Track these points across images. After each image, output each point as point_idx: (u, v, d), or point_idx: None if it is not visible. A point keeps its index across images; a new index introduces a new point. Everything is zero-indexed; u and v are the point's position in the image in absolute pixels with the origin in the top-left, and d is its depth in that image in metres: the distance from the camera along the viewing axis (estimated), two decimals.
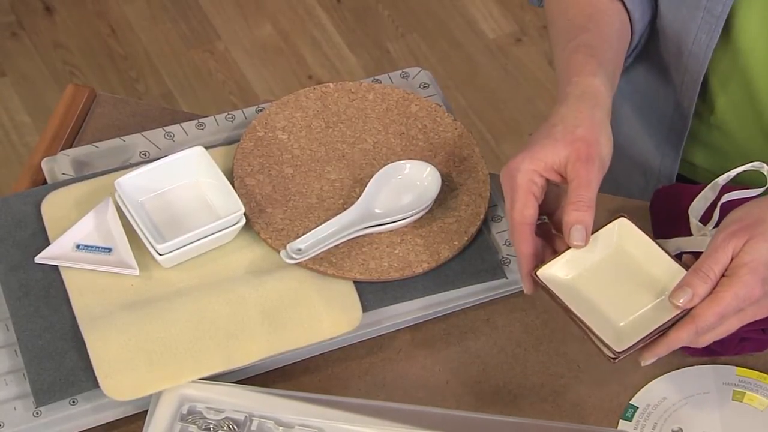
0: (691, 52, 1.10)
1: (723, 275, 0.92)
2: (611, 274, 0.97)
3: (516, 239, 0.96)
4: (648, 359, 0.93)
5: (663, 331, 0.93)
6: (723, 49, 1.10)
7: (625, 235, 0.98)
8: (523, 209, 0.95)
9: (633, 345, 0.92)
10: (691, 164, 1.24)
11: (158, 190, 1.06)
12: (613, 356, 0.92)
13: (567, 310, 0.94)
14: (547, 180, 0.97)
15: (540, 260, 0.96)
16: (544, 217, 0.98)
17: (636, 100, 1.23)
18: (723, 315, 0.91)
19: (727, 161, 1.19)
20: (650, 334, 0.92)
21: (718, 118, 1.17)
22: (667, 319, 0.93)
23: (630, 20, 1.10)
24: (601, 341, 0.92)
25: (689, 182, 1.24)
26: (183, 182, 1.07)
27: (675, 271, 0.95)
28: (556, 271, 0.96)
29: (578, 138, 0.95)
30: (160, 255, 1.01)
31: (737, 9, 1.07)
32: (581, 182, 0.94)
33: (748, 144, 1.17)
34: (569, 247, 0.96)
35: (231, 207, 1.03)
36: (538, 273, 0.95)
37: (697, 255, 0.96)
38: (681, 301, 0.92)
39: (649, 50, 1.17)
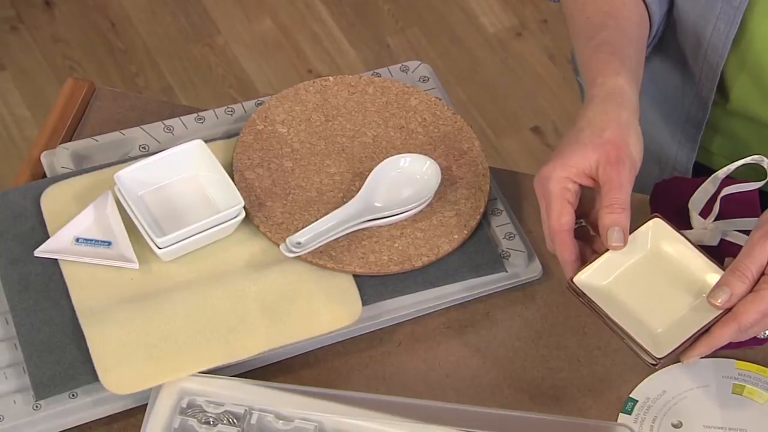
0: (710, 42, 1.10)
1: (763, 273, 0.92)
2: (647, 276, 0.97)
3: (557, 247, 0.96)
4: (690, 358, 0.94)
5: (703, 333, 0.93)
6: (737, 39, 1.10)
7: (660, 235, 0.98)
8: (560, 217, 0.95)
9: (674, 350, 0.92)
10: (707, 151, 1.24)
11: (158, 184, 1.06)
12: (654, 362, 0.92)
13: (604, 317, 0.94)
14: (581, 185, 0.97)
15: (582, 262, 0.96)
16: (581, 220, 0.99)
17: (652, 91, 1.23)
18: (766, 313, 0.91)
19: (743, 147, 1.19)
20: (691, 337, 0.93)
21: (734, 105, 1.17)
22: (708, 321, 0.93)
23: (648, 12, 1.09)
24: (641, 348, 0.92)
25: (705, 169, 1.24)
26: (182, 176, 1.07)
27: (712, 271, 0.96)
28: (592, 276, 0.96)
29: (607, 141, 0.96)
30: (159, 248, 1.01)
31: (753, 2, 1.07)
32: (613, 185, 0.95)
33: (763, 131, 1.17)
34: (606, 249, 0.96)
35: (230, 200, 1.03)
36: (574, 280, 0.95)
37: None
38: (719, 301, 0.92)
39: (666, 41, 1.17)
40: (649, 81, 1.22)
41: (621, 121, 0.97)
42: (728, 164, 1.06)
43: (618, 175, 0.95)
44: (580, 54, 1.07)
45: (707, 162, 1.26)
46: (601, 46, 1.03)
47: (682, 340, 0.93)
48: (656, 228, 0.98)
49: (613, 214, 0.95)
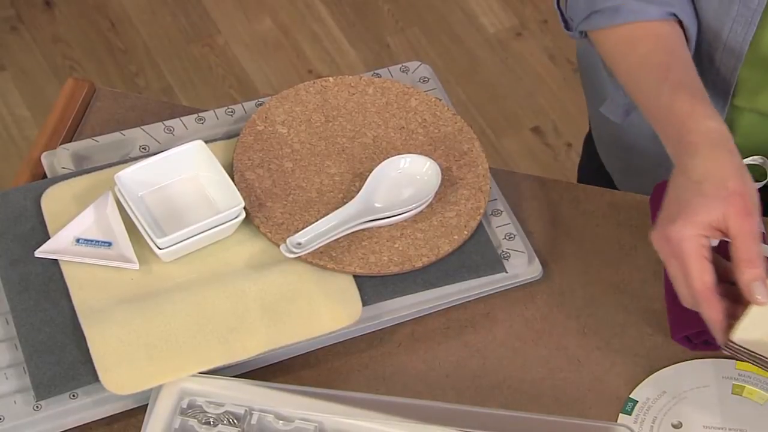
0: (727, 44, 1.09)
1: None
2: None
3: (704, 308, 0.93)
4: None
5: None
6: (755, 40, 1.09)
7: None
8: (702, 276, 0.93)
9: None
10: None
11: (158, 184, 1.06)
12: None
13: None
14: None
15: (731, 317, 0.94)
16: None
17: None
18: None
19: (758, 144, 1.18)
20: None
21: (750, 103, 1.16)
22: None
23: (686, 37, 1.08)
24: None
25: None
26: (183, 176, 1.07)
27: None
28: (746, 331, 0.94)
29: (732, 192, 0.93)
30: (160, 249, 1.01)
31: None
32: (747, 237, 0.92)
33: None
34: (748, 303, 0.94)
35: (231, 201, 1.03)
36: (733, 340, 0.93)
37: None
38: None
39: None
40: None
41: (738, 169, 0.94)
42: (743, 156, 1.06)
43: (750, 227, 0.92)
44: (653, 98, 1.02)
45: None
46: (678, 89, 1.00)
47: None
48: None
49: (752, 268, 0.92)
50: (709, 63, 1.14)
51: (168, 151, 1.06)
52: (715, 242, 1.01)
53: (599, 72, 1.25)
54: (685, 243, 0.93)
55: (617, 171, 1.34)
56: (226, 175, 1.05)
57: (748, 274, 0.92)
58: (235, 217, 1.04)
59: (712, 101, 1.16)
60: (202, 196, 1.06)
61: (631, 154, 1.28)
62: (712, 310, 0.93)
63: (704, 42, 1.12)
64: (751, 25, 1.07)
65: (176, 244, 1.02)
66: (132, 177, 1.04)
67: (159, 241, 1.01)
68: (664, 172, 1.25)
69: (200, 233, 1.02)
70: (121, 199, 1.04)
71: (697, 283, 0.93)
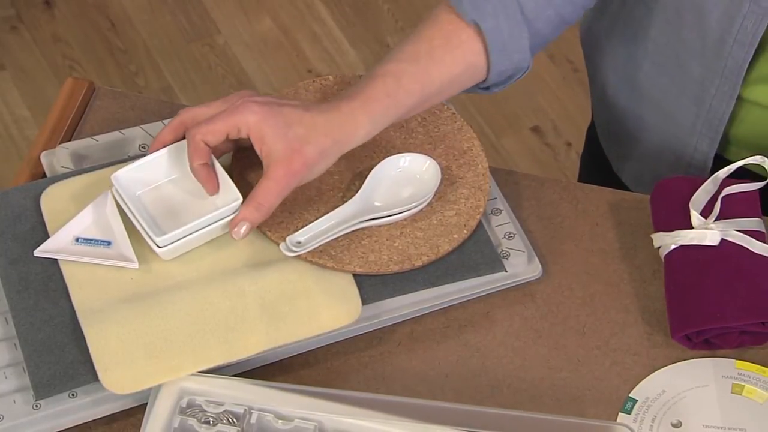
0: (736, 39, 1.09)
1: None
2: None
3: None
4: None
5: None
6: (764, 36, 1.09)
7: None
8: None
9: None
10: (725, 141, 1.22)
11: (155, 183, 1.06)
12: None
13: None
14: None
15: None
16: None
17: (664, 83, 1.21)
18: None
19: (762, 138, 1.18)
20: None
21: (758, 97, 1.15)
22: None
23: (486, 51, 1.06)
24: None
25: (722, 161, 1.23)
26: (180, 174, 1.06)
27: None
28: None
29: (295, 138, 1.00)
30: (159, 247, 1.01)
31: None
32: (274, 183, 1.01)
33: None
34: None
35: (229, 196, 1.03)
36: None
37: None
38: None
39: (685, 35, 1.15)
40: (662, 72, 1.20)
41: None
42: (746, 156, 1.05)
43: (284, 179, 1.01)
44: (386, 59, 1.05)
45: (722, 152, 1.24)
46: (387, 76, 1.03)
47: None
48: None
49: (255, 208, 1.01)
50: (718, 55, 1.13)
51: (165, 149, 1.06)
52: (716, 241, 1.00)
53: (602, 57, 1.26)
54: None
55: (615, 158, 1.34)
56: (224, 172, 1.04)
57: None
58: (234, 213, 1.03)
59: (722, 91, 1.15)
60: (201, 194, 1.06)
61: (630, 141, 1.28)
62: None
63: (711, 35, 1.12)
64: (762, 23, 1.06)
65: (175, 242, 1.01)
66: (129, 176, 1.04)
67: (158, 240, 1.01)
68: (662, 160, 1.26)
69: (199, 230, 1.02)
70: (119, 199, 1.04)
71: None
